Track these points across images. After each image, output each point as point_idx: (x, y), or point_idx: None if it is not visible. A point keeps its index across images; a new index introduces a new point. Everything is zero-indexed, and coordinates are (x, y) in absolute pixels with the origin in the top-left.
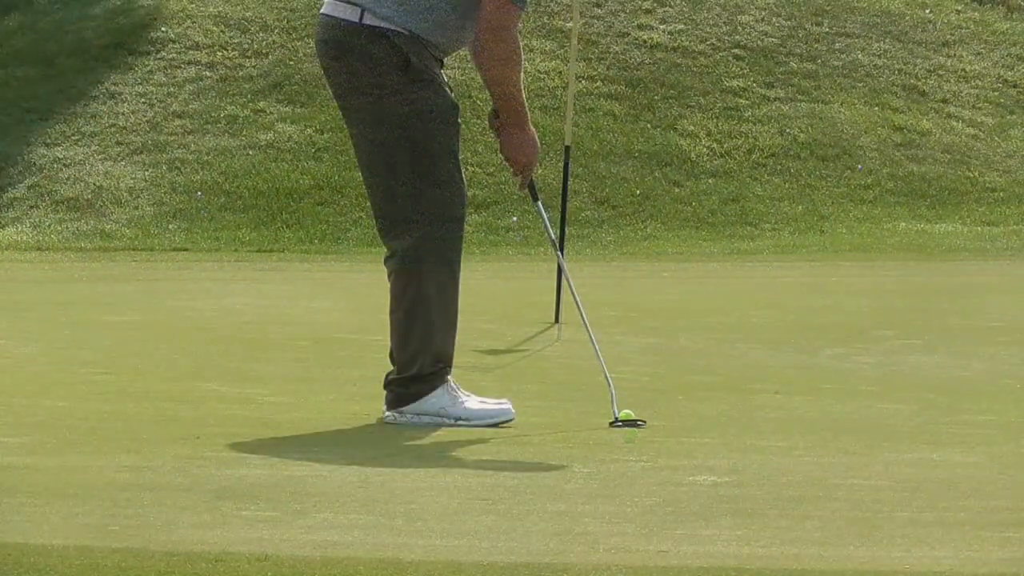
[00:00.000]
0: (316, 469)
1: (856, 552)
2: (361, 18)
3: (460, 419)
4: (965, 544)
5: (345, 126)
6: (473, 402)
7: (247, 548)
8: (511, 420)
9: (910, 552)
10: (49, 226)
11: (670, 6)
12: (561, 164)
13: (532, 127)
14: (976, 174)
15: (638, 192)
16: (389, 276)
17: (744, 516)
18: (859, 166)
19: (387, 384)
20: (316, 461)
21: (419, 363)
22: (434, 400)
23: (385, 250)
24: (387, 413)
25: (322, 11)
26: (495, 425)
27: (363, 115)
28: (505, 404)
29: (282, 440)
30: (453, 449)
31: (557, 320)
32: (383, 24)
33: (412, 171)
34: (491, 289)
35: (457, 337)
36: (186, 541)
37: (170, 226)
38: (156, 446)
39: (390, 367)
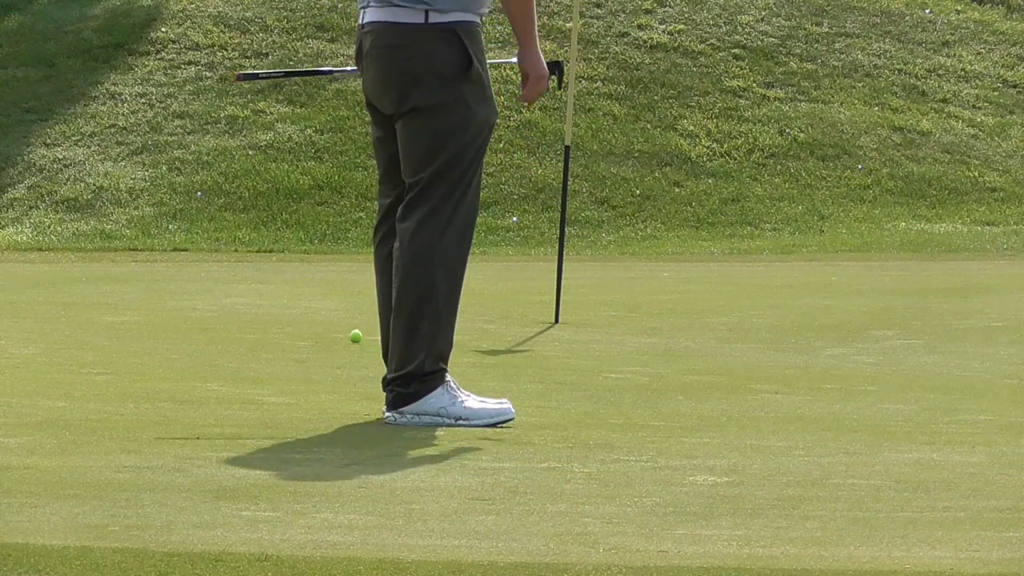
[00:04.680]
0: (316, 469)
1: (856, 552)
2: (427, 18)
3: (460, 419)
4: (965, 544)
5: (373, 126)
6: (473, 401)
7: (247, 548)
8: (511, 420)
9: (910, 552)
10: (49, 226)
11: (670, 6)
12: (561, 164)
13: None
14: (976, 174)
15: (638, 192)
16: (394, 265)
17: (744, 516)
18: (859, 166)
19: (386, 385)
20: (316, 461)
21: (419, 360)
22: (433, 400)
23: (376, 234)
24: (387, 414)
25: (369, 19)
26: (495, 425)
27: (416, 117)
28: (505, 404)
29: (282, 440)
30: (453, 449)
31: (557, 320)
32: (448, 20)
33: (450, 174)
34: (491, 289)
35: (456, 337)
36: (186, 541)
37: (170, 226)
38: (156, 446)
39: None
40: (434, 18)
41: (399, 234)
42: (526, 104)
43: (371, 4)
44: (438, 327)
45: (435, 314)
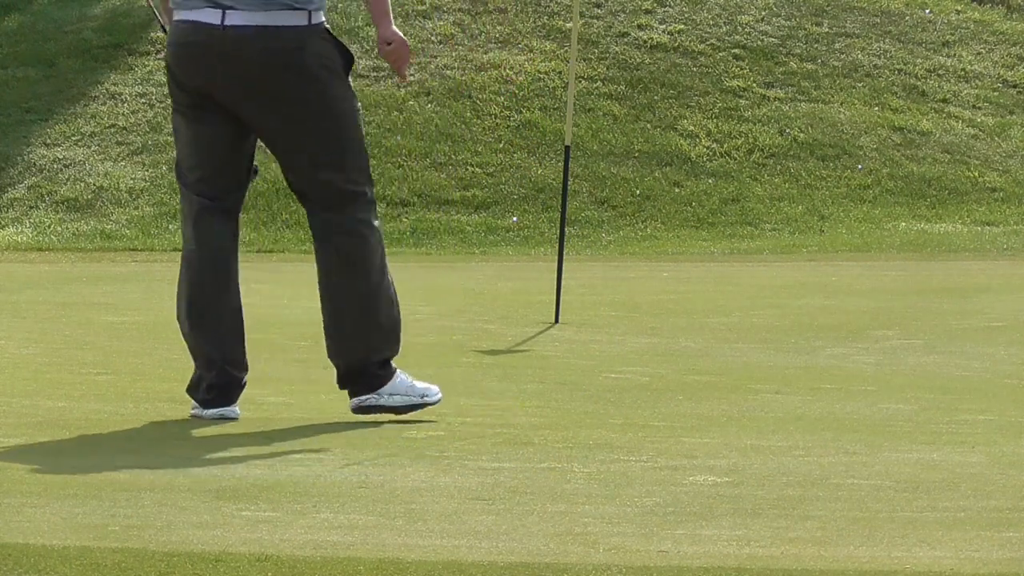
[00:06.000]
0: (316, 469)
1: (856, 552)
2: (310, 19)
3: (424, 396)
4: (965, 544)
5: (209, 125)
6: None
7: (247, 548)
8: (438, 401)
9: (910, 552)
10: (49, 226)
11: (670, 6)
12: (561, 164)
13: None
14: (976, 174)
15: (638, 192)
16: (335, 267)
17: (744, 516)
18: (859, 166)
19: (356, 373)
20: (316, 461)
21: (395, 343)
22: (401, 378)
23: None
24: (362, 398)
25: (242, 23)
26: (435, 403)
27: (321, 120)
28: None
29: (282, 440)
30: (453, 449)
31: (557, 320)
32: (321, 19)
33: (362, 165)
34: (491, 289)
35: (456, 336)
36: (186, 541)
37: (170, 226)
38: (156, 446)
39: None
40: (315, 18)
41: (331, 238)
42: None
43: (237, 7)
44: (397, 313)
45: (392, 298)
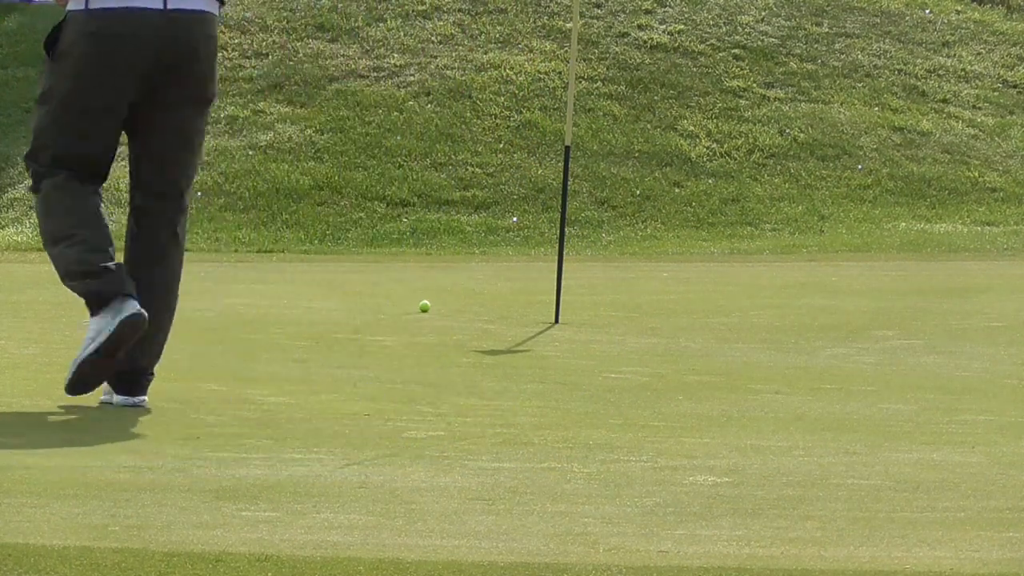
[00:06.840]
0: (316, 469)
1: (856, 552)
2: (219, 8)
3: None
4: (965, 544)
5: (162, 121)
6: None
7: (247, 548)
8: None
9: (910, 552)
10: None
11: (670, 6)
12: (561, 164)
13: None
14: (976, 174)
15: (638, 192)
16: (161, 266)
17: (744, 516)
18: (859, 166)
19: (142, 373)
20: (316, 461)
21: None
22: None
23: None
24: (132, 398)
25: (187, 7)
26: None
27: (205, 111)
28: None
29: (282, 440)
30: (453, 449)
31: (557, 320)
32: None
33: (198, 159)
34: (491, 289)
35: (456, 336)
36: (186, 541)
37: None
38: (156, 446)
39: (391, 366)
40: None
41: (166, 236)
42: None
43: None
44: None
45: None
